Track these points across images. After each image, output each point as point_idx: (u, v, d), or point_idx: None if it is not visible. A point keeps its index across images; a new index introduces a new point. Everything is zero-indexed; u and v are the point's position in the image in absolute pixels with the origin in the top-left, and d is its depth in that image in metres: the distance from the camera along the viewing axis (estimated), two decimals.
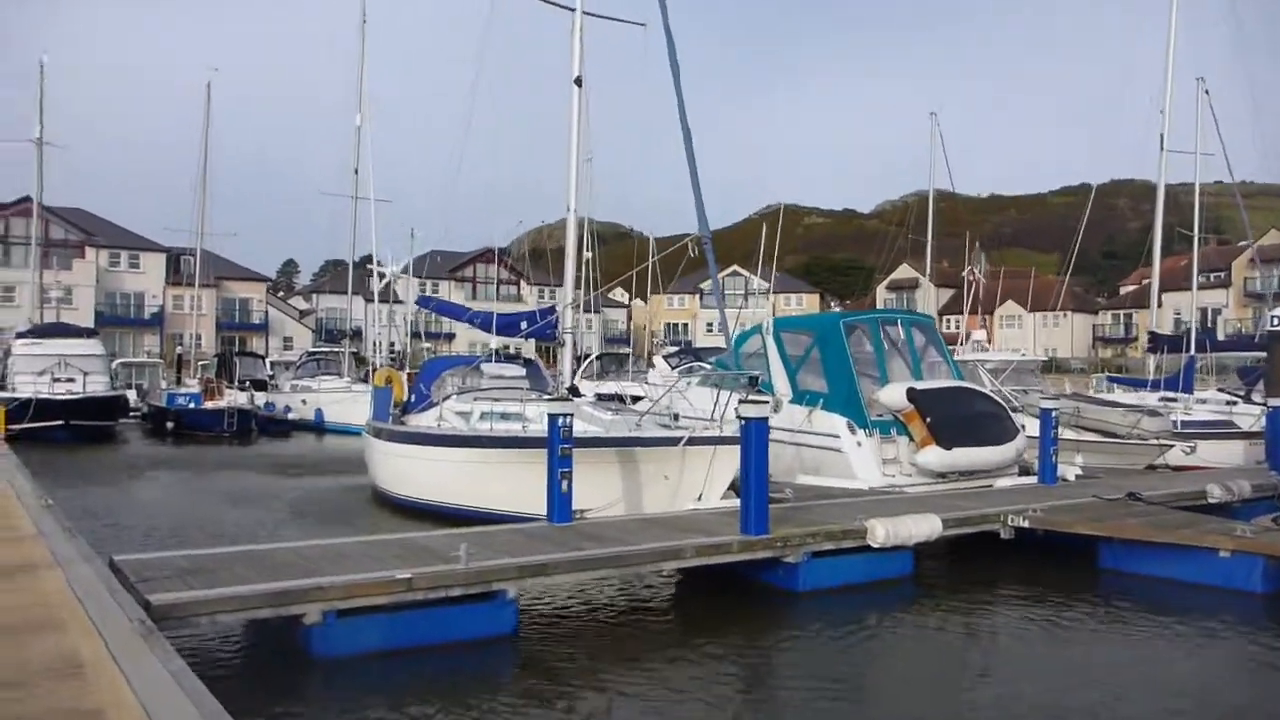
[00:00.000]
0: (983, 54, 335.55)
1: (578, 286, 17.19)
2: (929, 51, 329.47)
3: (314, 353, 46.15)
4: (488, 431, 14.43)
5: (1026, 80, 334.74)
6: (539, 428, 14.01)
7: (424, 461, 14.73)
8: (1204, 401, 24.56)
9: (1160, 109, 26.26)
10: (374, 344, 49.49)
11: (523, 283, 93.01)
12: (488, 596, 8.63)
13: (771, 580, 10.64)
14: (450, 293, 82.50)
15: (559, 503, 11.06)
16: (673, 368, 37.06)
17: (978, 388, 17.23)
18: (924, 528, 11.22)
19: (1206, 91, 27.78)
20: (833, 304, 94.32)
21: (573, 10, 15.98)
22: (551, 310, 16.60)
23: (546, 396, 15.53)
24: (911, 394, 15.61)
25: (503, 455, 13.48)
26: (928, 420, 15.42)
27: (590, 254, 53.32)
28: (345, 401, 31.72)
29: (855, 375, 16.32)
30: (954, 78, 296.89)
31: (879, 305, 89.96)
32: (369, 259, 40.47)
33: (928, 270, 57.87)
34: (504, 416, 14.94)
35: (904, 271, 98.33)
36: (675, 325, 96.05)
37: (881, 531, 10.87)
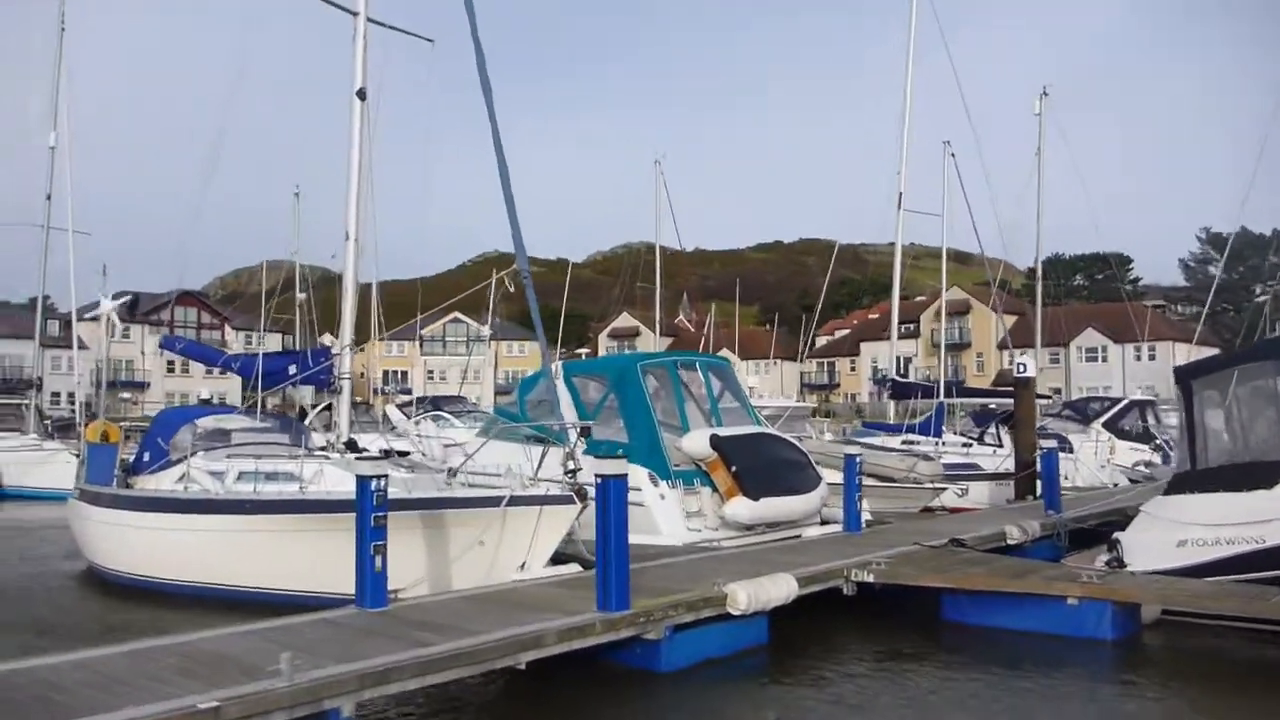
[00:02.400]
0: (689, 118, 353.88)
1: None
2: (634, 103, 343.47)
3: None
4: (259, 495, 11.99)
5: (732, 140, 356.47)
6: (319, 489, 11.99)
7: (175, 533, 11.99)
8: (944, 444, 25.86)
9: (897, 170, 27.64)
10: (53, 395, 43.31)
11: (226, 327, 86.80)
12: (315, 719, 6.67)
13: (627, 661, 9.23)
14: (143, 338, 76.32)
15: (372, 584, 9.06)
16: (408, 418, 34.91)
17: (779, 434, 16.69)
18: (782, 589, 10.26)
19: (953, 155, 29.65)
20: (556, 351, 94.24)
21: (355, 14, 14.02)
22: (325, 353, 14.34)
23: (321, 452, 13.35)
24: (715, 441, 14.76)
25: (284, 523, 11.18)
26: (733, 469, 14.60)
27: (305, 295, 49.64)
28: (34, 461, 26.95)
29: (656, 422, 15.32)
30: (662, 127, 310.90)
31: (601, 353, 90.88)
32: (46, 299, 35.40)
33: (657, 320, 58.92)
34: (270, 476, 12.59)
35: (624, 320, 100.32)
36: (394, 373, 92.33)
37: (743, 597, 9.79)
